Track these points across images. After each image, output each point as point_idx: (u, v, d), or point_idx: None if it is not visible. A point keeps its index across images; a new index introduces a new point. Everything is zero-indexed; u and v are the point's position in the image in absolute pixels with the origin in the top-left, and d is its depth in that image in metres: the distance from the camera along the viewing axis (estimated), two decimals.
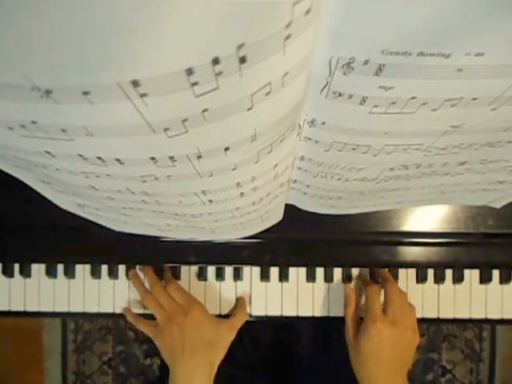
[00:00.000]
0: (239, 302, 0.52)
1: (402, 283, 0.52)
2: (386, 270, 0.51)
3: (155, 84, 0.14)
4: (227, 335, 0.48)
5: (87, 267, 0.53)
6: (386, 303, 0.47)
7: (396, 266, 0.51)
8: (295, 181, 0.35)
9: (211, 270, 0.53)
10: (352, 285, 0.52)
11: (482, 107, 0.21)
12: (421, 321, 0.52)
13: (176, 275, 0.53)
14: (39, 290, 0.53)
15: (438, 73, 0.18)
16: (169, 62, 0.13)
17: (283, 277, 0.53)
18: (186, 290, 0.50)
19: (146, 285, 0.51)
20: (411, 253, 0.48)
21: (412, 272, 0.53)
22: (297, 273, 0.53)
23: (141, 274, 0.52)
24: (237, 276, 0.53)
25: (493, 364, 1.08)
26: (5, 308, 0.53)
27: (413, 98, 0.20)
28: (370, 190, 0.35)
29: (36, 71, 0.13)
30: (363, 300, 0.51)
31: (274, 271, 0.53)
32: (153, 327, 0.48)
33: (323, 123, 0.23)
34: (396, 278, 0.52)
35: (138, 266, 0.53)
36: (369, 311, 0.46)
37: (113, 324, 1.10)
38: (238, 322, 0.49)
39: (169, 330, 0.46)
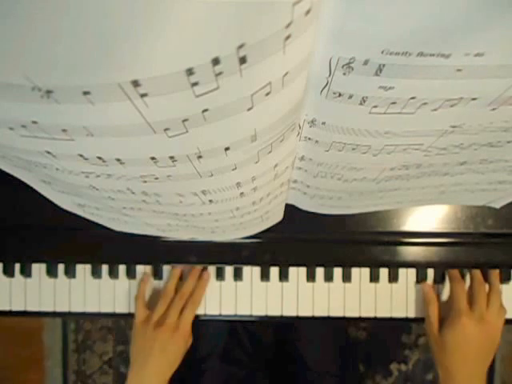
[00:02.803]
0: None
1: (401, 283, 0.53)
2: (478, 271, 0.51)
3: (155, 84, 0.14)
4: (185, 349, 0.51)
5: (88, 267, 0.53)
6: (473, 300, 0.48)
7: (396, 265, 0.51)
8: (295, 181, 0.35)
9: (211, 270, 0.53)
10: (429, 283, 0.52)
11: (481, 107, 0.21)
12: (421, 320, 0.52)
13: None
14: (40, 290, 0.53)
15: (438, 73, 0.18)
16: (169, 62, 0.13)
17: (283, 277, 0.53)
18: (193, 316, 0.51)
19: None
20: (411, 253, 0.48)
21: (412, 272, 0.53)
22: (297, 273, 0.53)
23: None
24: (237, 276, 0.53)
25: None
26: (5, 308, 0.54)
27: (413, 98, 0.20)
28: (370, 190, 0.35)
29: (36, 71, 0.13)
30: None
31: (274, 271, 0.53)
32: (145, 316, 0.50)
33: (323, 123, 0.23)
34: (396, 278, 0.52)
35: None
36: (455, 306, 0.47)
37: (113, 324, 1.10)
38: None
39: (150, 333, 0.48)
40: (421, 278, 0.52)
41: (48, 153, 0.21)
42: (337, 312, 0.52)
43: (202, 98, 0.16)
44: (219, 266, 0.53)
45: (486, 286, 0.49)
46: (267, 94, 0.17)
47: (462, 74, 0.18)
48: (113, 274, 0.53)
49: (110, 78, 0.14)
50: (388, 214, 0.46)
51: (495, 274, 0.51)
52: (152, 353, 0.47)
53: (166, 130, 0.18)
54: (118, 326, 1.10)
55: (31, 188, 0.33)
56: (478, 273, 0.50)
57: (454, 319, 0.46)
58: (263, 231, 0.44)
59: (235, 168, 0.24)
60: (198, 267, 0.52)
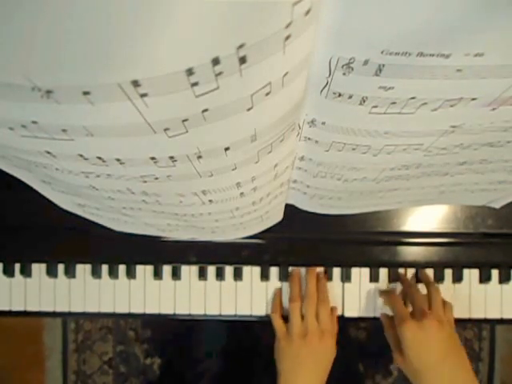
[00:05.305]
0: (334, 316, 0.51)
1: None
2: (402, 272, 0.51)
3: (155, 84, 0.14)
4: (334, 351, 0.50)
5: (88, 267, 0.53)
6: (411, 304, 0.48)
7: (396, 266, 0.51)
8: (295, 181, 0.35)
9: (211, 270, 0.53)
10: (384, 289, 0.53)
11: (481, 107, 0.21)
12: None
13: (176, 275, 0.53)
14: (40, 290, 0.53)
15: (438, 73, 0.18)
16: (169, 62, 0.13)
17: (283, 277, 0.53)
18: (333, 315, 0.50)
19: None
20: (411, 253, 0.48)
21: (411, 272, 0.53)
22: None
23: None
24: (237, 276, 0.53)
25: (492, 364, 1.07)
26: (5, 308, 0.54)
27: (412, 98, 0.20)
28: (369, 190, 0.35)
29: (36, 71, 0.13)
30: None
31: (274, 271, 0.53)
32: (284, 330, 0.49)
33: (323, 123, 0.23)
34: (396, 278, 0.52)
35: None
36: (396, 317, 0.47)
37: (113, 324, 1.10)
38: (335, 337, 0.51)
39: (297, 345, 0.47)
40: (419, 278, 0.52)
41: (48, 153, 0.21)
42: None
43: (201, 98, 0.16)
44: (219, 266, 0.53)
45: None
46: (267, 94, 0.17)
47: (461, 74, 0.18)
48: (113, 274, 0.53)
49: (110, 78, 0.14)
50: (388, 214, 0.46)
51: (425, 274, 0.51)
52: (303, 362, 0.47)
53: (165, 130, 0.18)
54: (118, 325, 1.10)
55: (31, 188, 0.33)
56: (404, 276, 0.51)
57: (398, 329, 0.46)
58: (263, 231, 0.44)
59: (235, 168, 0.24)
60: (312, 268, 0.52)
